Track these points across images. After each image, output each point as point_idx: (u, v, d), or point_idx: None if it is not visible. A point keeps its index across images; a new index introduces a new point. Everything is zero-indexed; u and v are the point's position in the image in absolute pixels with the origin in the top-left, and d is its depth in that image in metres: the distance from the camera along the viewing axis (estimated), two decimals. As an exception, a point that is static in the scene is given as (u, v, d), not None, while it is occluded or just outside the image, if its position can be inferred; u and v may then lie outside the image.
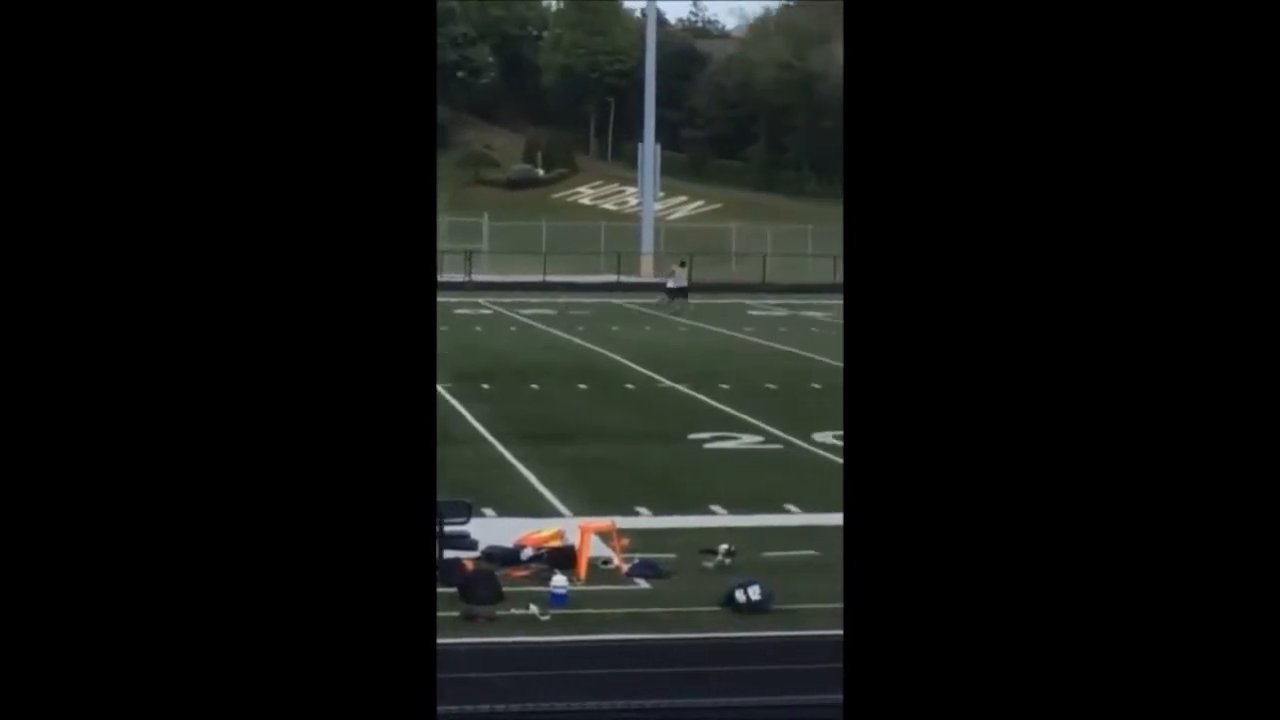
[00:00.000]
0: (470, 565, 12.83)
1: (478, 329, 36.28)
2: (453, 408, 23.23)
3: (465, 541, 13.08)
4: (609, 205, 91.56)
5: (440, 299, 36.36)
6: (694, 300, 46.41)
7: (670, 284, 45.19)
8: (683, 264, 46.82)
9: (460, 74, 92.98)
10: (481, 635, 11.58)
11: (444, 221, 58.43)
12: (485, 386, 26.95)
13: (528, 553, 13.81)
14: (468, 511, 13.24)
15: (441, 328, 32.79)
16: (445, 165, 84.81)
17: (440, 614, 11.03)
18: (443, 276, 45.38)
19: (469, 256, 50.54)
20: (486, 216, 64.04)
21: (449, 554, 12.64)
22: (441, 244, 54.32)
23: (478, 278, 50.95)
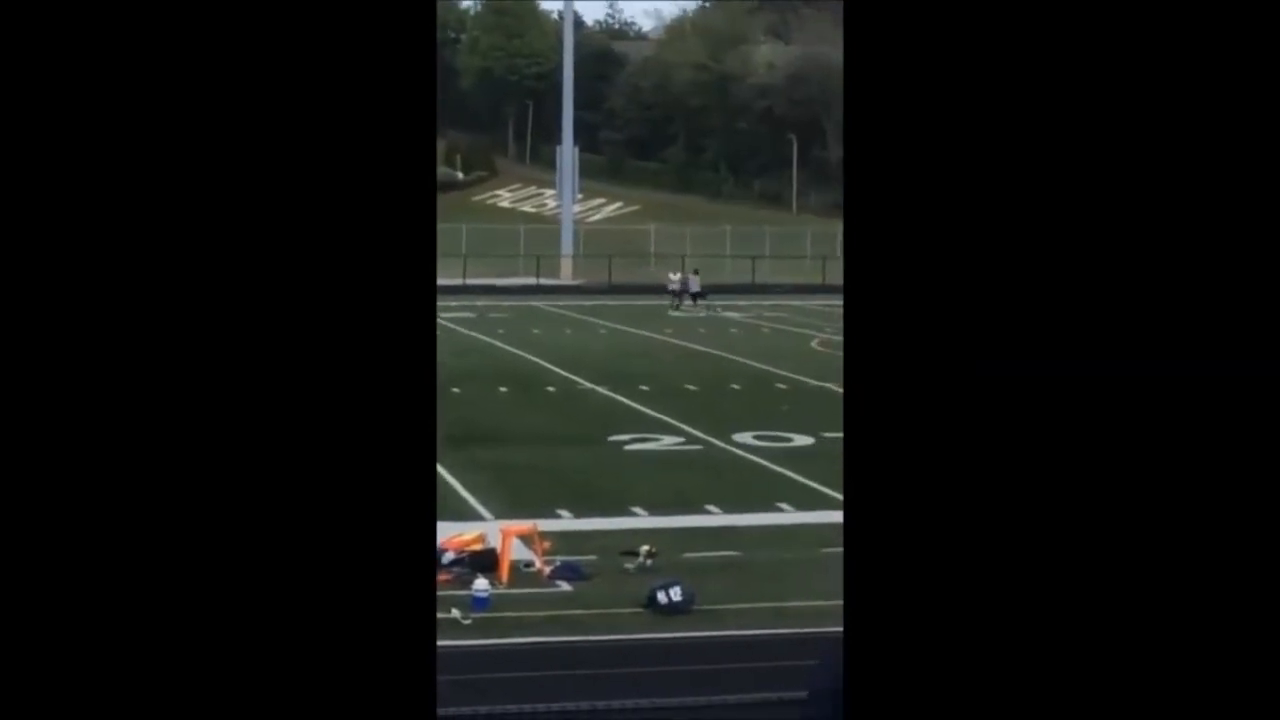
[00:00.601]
0: None
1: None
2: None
3: None
4: (528, 208, 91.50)
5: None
6: (610, 302, 46.46)
7: (691, 288, 46.97)
8: (696, 271, 48.24)
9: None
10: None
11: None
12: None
13: (449, 556, 13.76)
14: None
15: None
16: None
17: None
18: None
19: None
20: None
21: None
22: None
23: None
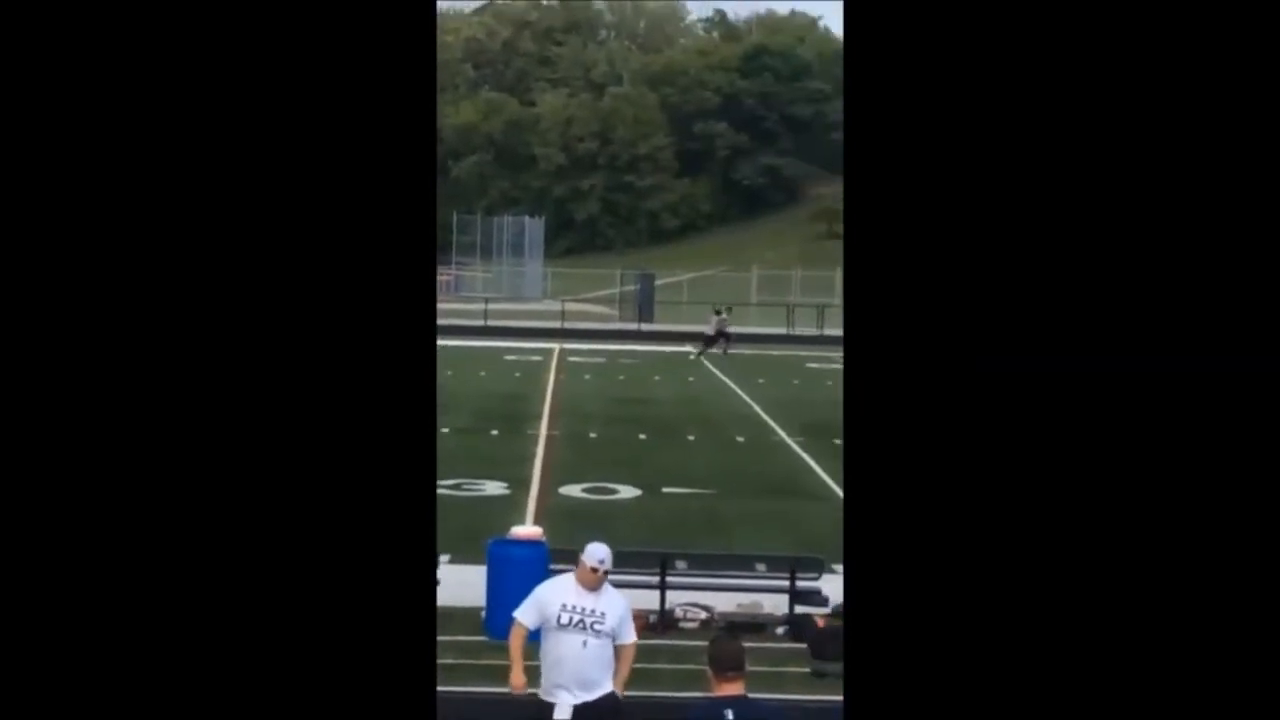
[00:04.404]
0: (822, 622, 11.49)
1: (829, 383, 32.01)
2: (805, 460, 21.09)
3: (817, 598, 11.86)
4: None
5: (792, 352, 35.27)
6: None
7: (722, 330, 42.64)
8: (719, 313, 43.46)
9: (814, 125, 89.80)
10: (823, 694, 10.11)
11: (796, 275, 58.26)
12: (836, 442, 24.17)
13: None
14: (820, 567, 11.92)
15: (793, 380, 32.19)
16: (797, 219, 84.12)
17: (791, 669, 10.48)
18: (795, 330, 45.75)
19: (821, 311, 46.91)
20: (839, 271, 60.67)
21: (800, 609, 11.74)
22: (794, 297, 53.56)
23: (829, 332, 44.48)
